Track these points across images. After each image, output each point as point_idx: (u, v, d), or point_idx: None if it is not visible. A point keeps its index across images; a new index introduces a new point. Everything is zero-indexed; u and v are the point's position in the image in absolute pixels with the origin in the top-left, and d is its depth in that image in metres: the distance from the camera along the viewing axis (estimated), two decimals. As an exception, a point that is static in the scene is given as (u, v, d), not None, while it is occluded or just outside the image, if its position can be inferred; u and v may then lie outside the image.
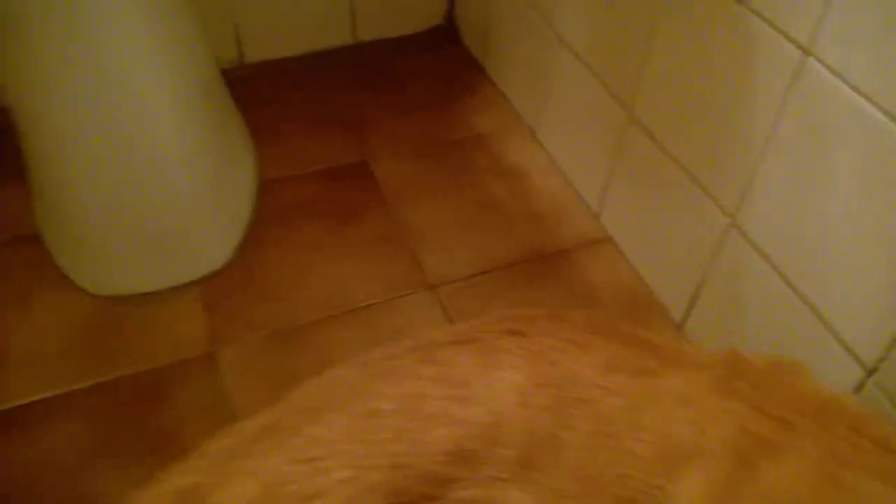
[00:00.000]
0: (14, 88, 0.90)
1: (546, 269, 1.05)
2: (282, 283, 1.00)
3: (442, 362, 0.54)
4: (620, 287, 1.04)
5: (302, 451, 0.50)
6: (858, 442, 0.48)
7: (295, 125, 1.25)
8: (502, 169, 1.20)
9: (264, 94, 1.29)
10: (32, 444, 0.82)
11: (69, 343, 0.92)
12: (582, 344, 0.54)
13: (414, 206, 1.13)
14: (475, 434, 0.49)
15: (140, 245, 0.94)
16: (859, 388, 0.74)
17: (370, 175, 1.17)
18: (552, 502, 0.47)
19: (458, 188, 1.17)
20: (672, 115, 0.90)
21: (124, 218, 0.92)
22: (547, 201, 1.15)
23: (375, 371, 0.56)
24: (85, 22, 0.80)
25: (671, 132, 0.92)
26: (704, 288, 0.93)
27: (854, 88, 0.66)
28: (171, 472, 0.51)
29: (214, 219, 1.00)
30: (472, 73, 1.38)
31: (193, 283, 0.99)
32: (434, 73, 1.38)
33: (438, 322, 0.98)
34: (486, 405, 0.50)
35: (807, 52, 0.70)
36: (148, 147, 0.88)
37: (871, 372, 0.72)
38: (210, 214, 0.99)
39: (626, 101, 0.98)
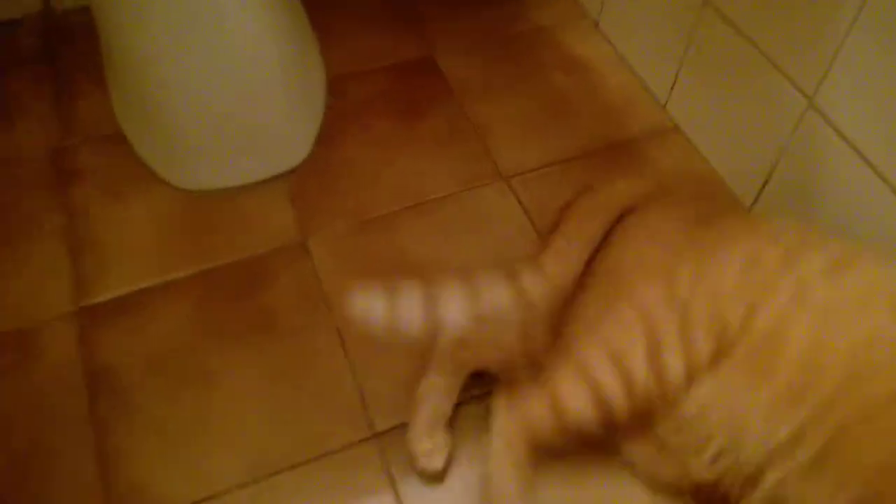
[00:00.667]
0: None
1: (614, 158, 1.07)
2: (359, 176, 1.04)
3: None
4: (689, 174, 1.06)
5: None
6: None
7: (356, 23, 1.25)
8: (566, 61, 1.20)
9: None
10: (143, 327, 0.88)
11: (163, 236, 0.97)
12: None
13: (481, 100, 1.14)
14: None
15: (226, 140, 0.97)
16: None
17: (436, 70, 1.18)
18: None
19: (522, 81, 1.17)
20: (751, -4, 0.90)
21: (211, 113, 0.95)
22: (612, 92, 1.16)
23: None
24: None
25: (748, 13, 0.91)
26: (777, 171, 0.94)
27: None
28: None
29: (294, 113, 1.02)
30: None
31: (276, 177, 1.02)
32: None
33: (513, 211, 1.01)
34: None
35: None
36: (233, 42, 0.90)
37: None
38: (290, 109, 1.01)
39: (701, -16, 0.97)
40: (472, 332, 0.79)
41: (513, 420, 0.74)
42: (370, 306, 0.75)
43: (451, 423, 0.80)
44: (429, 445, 0.78)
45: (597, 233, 0.80)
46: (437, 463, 0.77)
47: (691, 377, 0.69)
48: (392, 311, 0.75)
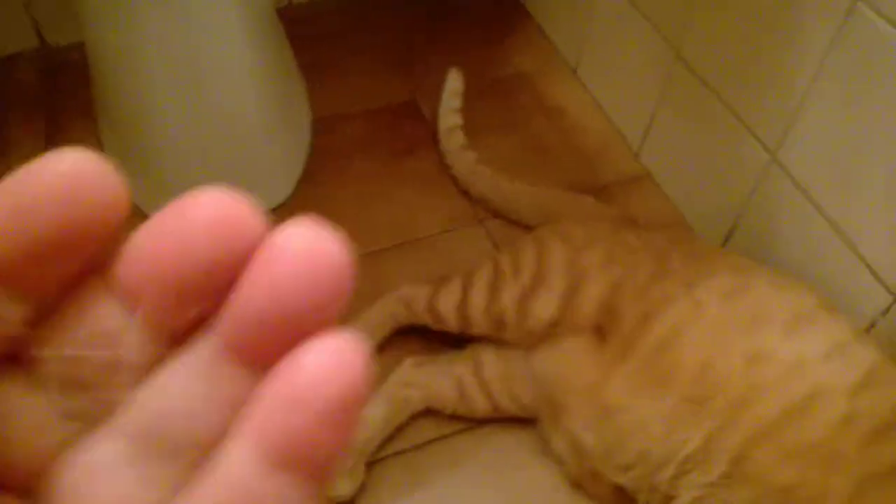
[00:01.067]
0: (90, 23, 0.95)
1: (589, 203, 1.11)
2: (342, 216, 1.06)
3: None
4: (658, 220, 1.09)
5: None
6: None
7: (341, 64, 1.29)
8: (544, 107, 1.25)
9: (311, 34, 1.33)
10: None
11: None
12: None
13: (462, 143, 1.18)
14: None
15: (210, 180, 1.00)
16: (886, 311, 0.80)
17: (419, 114, 1.22)
18: None
19: (502, 126, 1.22)
20: (719, 53, 0.95)
21: (196, 152, 0.98)
22: (588, 138, 1.20)
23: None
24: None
25: (717, 71, 0.96)
26: (742, 221, 0.98)
27: (900, 32, 0.70)
28: None
29: (278, 152, 1.06)
30: (513, 10, 1.41)
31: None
32: (476, 11, 1.41)
33: (488, 252, 1.04)
34: None
35: (856, -4, 0.74)
36: (220, 80, 0.94)
37: (901, 296, 0.79)
38: (275, 148, 1.05)
39: (673, 40, 1.02)
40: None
41: (403, 290, 0.91)
42: None
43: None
44: None
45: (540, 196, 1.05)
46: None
47: (552, 330, 0.79)
48: None
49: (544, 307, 0.79)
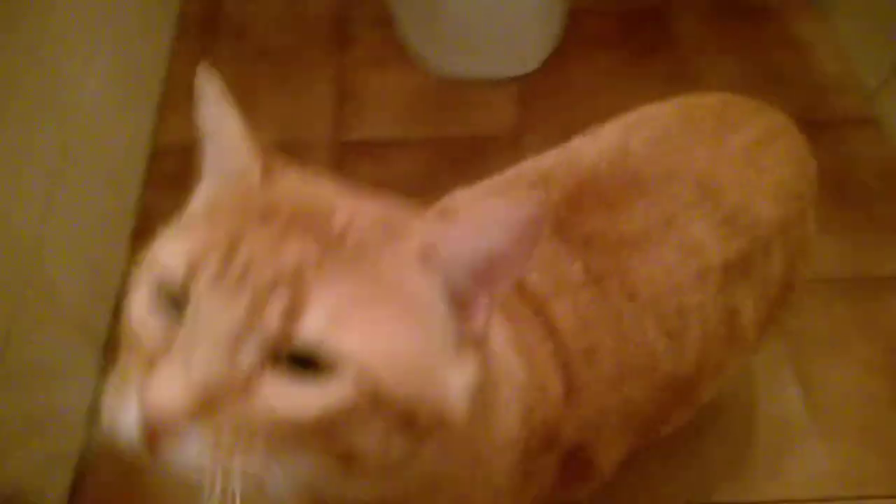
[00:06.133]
0: None
1: (812, 136, 1.15)
2: (578, 97, 1.19)
3: None
4: (882, 166, 1.12)
5: None
6: None
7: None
8: (786, 40, 1.29)
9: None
10: (382, 169, 1.10)
11: (409, 104, 1.17)
12: None
13: (704, 57, 1.25)
14: None
15: (479, 39, 1.16)
16: None
17: (666, 22, 1.30)
18: None
19: (741, 52, 1.27)
20: None
21: (474, 24, 1.13)
22: (824, 76, 1.23)
23: None
24: None
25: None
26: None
27: None
28: None
29: (535, 27, 1.19)
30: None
31: (510, 79, 1.20)
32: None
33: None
34: None
35: None
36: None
37: None
38: (533, 23, 1.18)
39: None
40: None
41: None
42: None
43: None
44: None
45: None
46: None
47: None
48: None
49: None
